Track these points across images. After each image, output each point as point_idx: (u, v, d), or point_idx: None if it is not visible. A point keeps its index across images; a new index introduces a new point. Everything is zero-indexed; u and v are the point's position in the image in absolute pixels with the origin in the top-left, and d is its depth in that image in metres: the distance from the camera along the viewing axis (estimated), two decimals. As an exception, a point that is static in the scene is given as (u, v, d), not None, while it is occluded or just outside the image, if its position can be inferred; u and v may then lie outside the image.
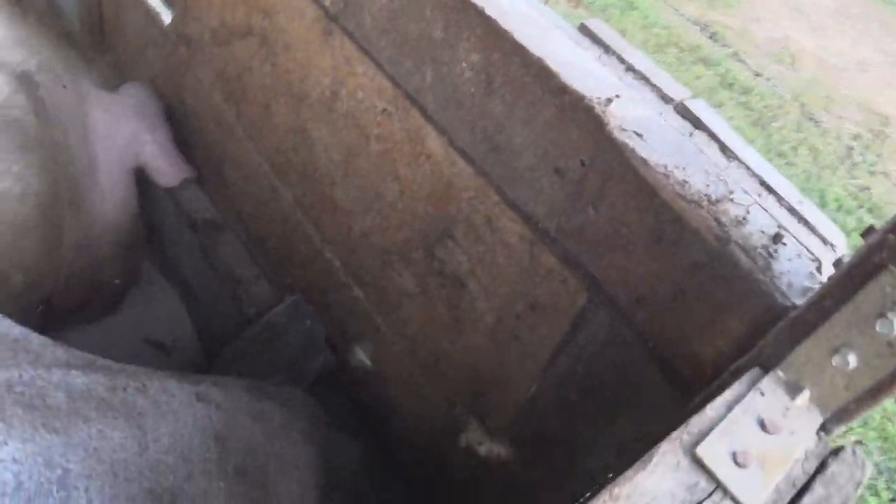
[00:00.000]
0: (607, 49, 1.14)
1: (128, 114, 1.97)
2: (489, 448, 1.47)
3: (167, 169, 1.97)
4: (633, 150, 0.97)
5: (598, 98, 1.01)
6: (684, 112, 1.08)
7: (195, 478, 1.09)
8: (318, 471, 1.38)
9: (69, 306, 1.84)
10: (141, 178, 2.03)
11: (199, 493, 1.09)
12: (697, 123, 1.07)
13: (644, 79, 1.12)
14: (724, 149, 1.05)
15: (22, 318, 1.55)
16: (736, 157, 1.04)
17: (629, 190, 0.99)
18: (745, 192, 0.99)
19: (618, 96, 1.03)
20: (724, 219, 0.93)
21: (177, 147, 2.02)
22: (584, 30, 1.17)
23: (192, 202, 2.03)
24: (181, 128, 2.10)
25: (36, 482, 0.87)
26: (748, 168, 1.04)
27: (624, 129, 0.99)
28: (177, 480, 1.06)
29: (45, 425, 0.92)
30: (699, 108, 1.09)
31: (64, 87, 1.73)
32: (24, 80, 1.53)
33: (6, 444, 0.87)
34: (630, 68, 1.13)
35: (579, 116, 1.01)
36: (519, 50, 1.05)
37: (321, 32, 1.46)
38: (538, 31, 1.09)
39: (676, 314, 0.98)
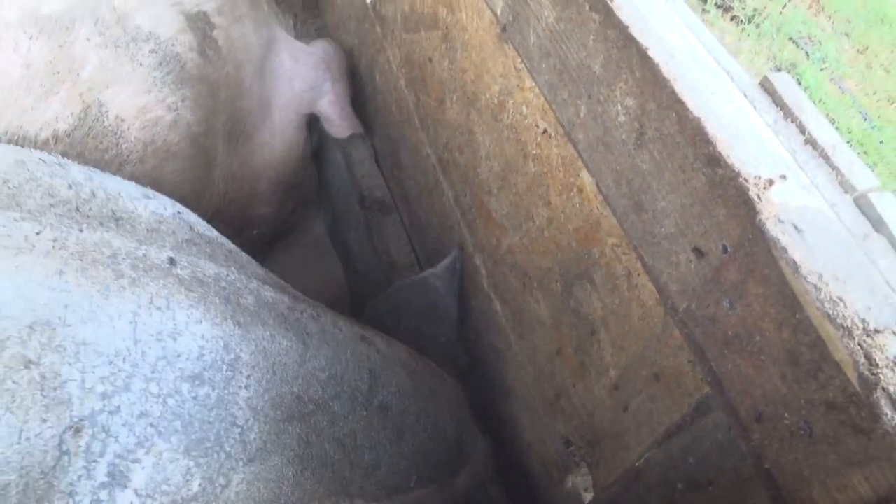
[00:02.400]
0: (787, 113, 0.95)
1: (312, 62, 2.03)
2: (592, 500, 1.35)
3: (339, 121, 2.04)
4: (784, 249, 0.80)
5: (757, 178, 0.83)
6: (866, 206, 0.88)
7: (341, 399, 1.21)
8: (449, 445, 1.43)
9: (224, 232, 1.94)
10: (322, 137, 2.08)
11: (341, 412, 1.20)
12: (879, 224, 0.87)
13: (824, 156, 0.92)
14: (906, 263, 0.84)
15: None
16: (923, 275, 0.83)
17: (771, 295, 0.82)
18: (920, 323, 0.79)
19: (783, 177, 0.85)
20: (877, 357, 0.74)
21: (351, 103, 2.06)
22: (765, 85, 0.98)
23: (367, 178, 2.02)
24: (369, 103, 2.09)
25: (212, 358, 1.03)
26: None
27: (781, 221, 0.82)
28: (324, 396, 1.19)
29: (232, 318, 1.08)
30: (887, 203, 0.88)
31: (246, 28, 1.78)
32: (198, 20, 1.60)
33: (201, 322, 1.04)
34: (810, 141, 0.93)
35: (730, 195, 0.85)
36: (676, 104, 0.90)
37: (497, 37, 1.36)
38: (705, 82, 0.92)
39: (798, 449, 0.81)
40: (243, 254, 1.33)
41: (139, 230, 1.13)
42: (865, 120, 3.90)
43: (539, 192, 1.33)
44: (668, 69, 0.91)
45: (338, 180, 2.12)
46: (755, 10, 4.26)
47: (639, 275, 1.11)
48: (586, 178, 1.18)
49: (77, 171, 1.18)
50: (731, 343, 0.89)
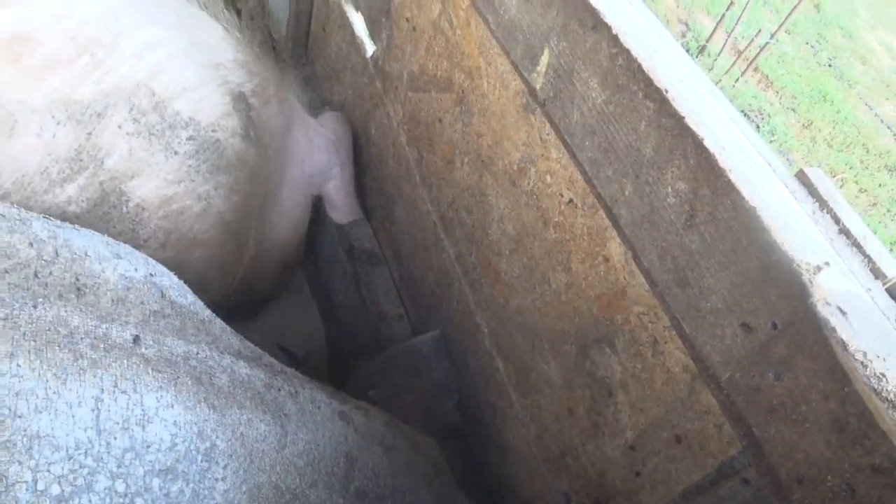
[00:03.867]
0: (823, 205, 1.10)
1: (325, 144, 2.06)
2: (598, 559, 1.44)
3: (342, 207, 2.07)
4: (833, 330, 0.93)
5: (808, 264, 0.97)
6: (895, 293, 1.03)
7: (318, 487, 1.17)
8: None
9: (224, 305, 1.94)
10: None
11: (317, 501, 1.15)
12: (907, 310, 1.01)
13: (857, 245, 1.07)
14: (931, 346, 0.99)
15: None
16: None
17: (819, 369, 0.95)
18: (947, 399, 0.93)
19: (827, 264, 0.99)
20: (919, 429, 0.88)
21: (355, 189, 2.11)
22: (801, 177, 1.13)
23: (356, 229, 2.10)
24: (361, 154, 2.17)
25: (186, 447, 0.96)
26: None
27: (828, 304, 0.95)
28: (301, 484, 1.14)
29: (206, 400, 1.02)
30: (914, 291, 1.03)
31: (273, 109, 1.81)
32: (240, 101, 1.61)
33: (172, 406, 0.97)
34: (844, 231, 1.08)
35: (782, 278, 0.98)
36: (732, 192, 1.03)
37: (521, 107, 1.48)
38: (755, 173, 1.06)
39: (843, 511, 0.94)
40: (217, 322, 1.28)
41: (102, 302, 1.07)
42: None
43: (559, 257, 1.44)
44: (723, 160, 1.05)
45: (321, 229, 2.18)
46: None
47: (665, 343, 1.23)
48: (615, 249, 1.30)
49: (40, 226, 1.10)
50: (776, 411, 1.01)
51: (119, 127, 1.39)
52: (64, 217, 1.37)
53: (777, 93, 4.83)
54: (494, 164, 1.59)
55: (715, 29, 5.11)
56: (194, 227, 1.55)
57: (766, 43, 4.89)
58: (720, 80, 4.73)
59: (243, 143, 1.61)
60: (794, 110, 4.70)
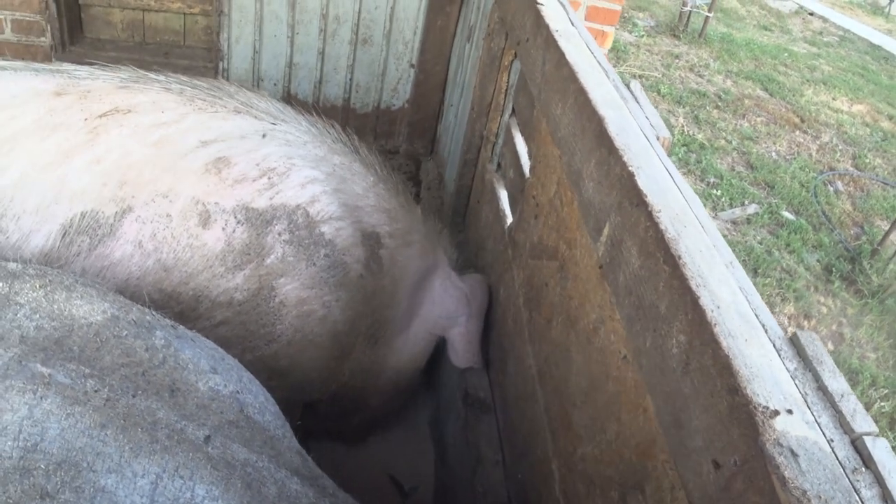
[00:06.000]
0: (807, 364, 1.23)
1: (458, 295, 2.43)
2: None
3: (462, 353, 2.39)
4: (777, 468, 1.06)
5: (765, 408, 1.11)
6: (861, 447, 1.13)
7: None
8: None
9: (334, 412, 2.30)
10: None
11: None
12: (869, 462, 1.11)
13: (832, 401, 1.18)
14: (887, 498, 1.08)
15: (284, 406, 1.96)
16: (898, 515, 1.06)
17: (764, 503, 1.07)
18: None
19: (789, 411, 1.12)
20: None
21: (479, 340, 2.42)
22: (794, 340, 1.27)
23: (473, 378, 2.37)
24: (491, 313, 2.47)
25: None
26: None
27: (780, 445, 1.08)
28: None
29: (248, 503, 1.22)
30: (880, 448, 1.12)
31: (411, 252, 2.22)
32: (371, 238, 2.03)
33: (218, 500, 1.18)
34: (822, 388, 1.20)
35: (743, 419, 1.13)
36: (713, 343, 1.20)
37: (600, 275, 1.72)
38: (742, 330, 1.23)
39: None
40: (286, 441, 1.47)
41: (189, 405, 1.30)
42: None
43: (613, 409, 1.62)
44: (711, 316, 1.23)
45: (446, 375, 2.47)
46: (880, 286, 4.62)
47: (680, 489, 1.36)
48: (651, 401, 1.47)
49: (160, 335, 1.38)
50: (734, 546, 1.12)
51: (279, 234, 1.86)
52: (230, 303, 1.82)
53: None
54: (578, 323, 1.83)
55: (888, 232, 5.10)
56: (314, 329, 1.94)
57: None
58: (892, 285, 4.64)
59: (364, 270, 2.01)
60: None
